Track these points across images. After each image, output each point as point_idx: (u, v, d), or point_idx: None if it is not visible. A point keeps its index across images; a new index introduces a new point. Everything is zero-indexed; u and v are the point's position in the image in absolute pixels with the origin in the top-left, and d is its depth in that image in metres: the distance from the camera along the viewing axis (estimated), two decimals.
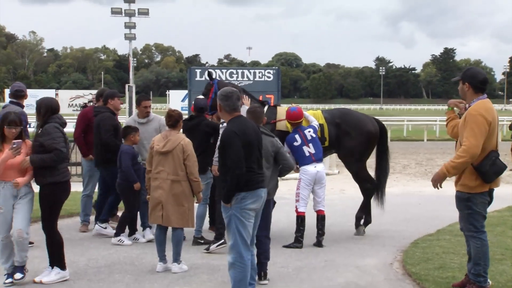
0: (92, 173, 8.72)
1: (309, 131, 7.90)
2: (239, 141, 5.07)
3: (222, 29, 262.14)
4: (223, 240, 7.35)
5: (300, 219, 7.72)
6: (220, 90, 5.51)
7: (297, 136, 7.84)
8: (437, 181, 5.48)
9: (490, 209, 10.45)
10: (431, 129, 35.85)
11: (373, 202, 8.80)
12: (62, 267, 6.24)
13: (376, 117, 9.11)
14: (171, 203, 6.53)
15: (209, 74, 8.78)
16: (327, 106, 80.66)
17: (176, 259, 6.64)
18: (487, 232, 8.27)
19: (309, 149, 7.79)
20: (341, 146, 8.54)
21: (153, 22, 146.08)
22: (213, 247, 7.40)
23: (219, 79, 8.87)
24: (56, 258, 6.22)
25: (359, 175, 8.73)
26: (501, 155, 5.59)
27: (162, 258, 6.70)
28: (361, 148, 8.54)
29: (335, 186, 13.75)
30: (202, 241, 7.75)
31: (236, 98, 5.31)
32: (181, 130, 7.30)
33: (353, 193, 12.67)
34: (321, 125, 8.26)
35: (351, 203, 11.16)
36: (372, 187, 8.70)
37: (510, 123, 17.98)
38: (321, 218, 7.85)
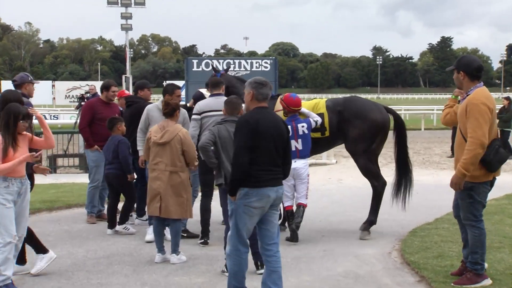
0: (98, 164, 8.67)
1: (303, 126, 7.62)
2: (247, 130, 4.86)
3: (219, 19, 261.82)
4: (203, 240, 7.33)
5: (288, 213, 7.62)
6: (253, 78, 5.29)
7: (289, 127, 7.49)
8: (458, 183, 5.41)
9: (488, 197, 10.52)
10: (428, 118, 35.90)
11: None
12: (44, 251, 6.18)
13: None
14: (170, 194, 6.53)
15: (214, 68, 8.89)
16: (324, 96, 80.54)
17: (175, 250, 6.63)
18: (485, 221, 8.31)
19: (296, 144, 7.53)
20: (345, 136, 7.94)
21: (149, 12, 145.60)
22: (198, 242, 7.39)
23: (223, 71, 8.70)
24: (35, 245, 6.16)
25: (366, 170, 7.95)
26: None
27: (161, 249, 6.69)
28: (365, 137, 7.79)
29: (332, 176, 13.77)
30: (185, 235, 7.53)
31: (269, 88, 5.15)
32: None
33: (351, 183, 12.70)
34: (321, 114, 7.85)
35: (348, 192, 11.21)
36: (380, 186, 7.89)
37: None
38: (301, 207, 7.56)
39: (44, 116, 30.22)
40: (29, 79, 7.78)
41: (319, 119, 7.78)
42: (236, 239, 5.04)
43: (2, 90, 9.38)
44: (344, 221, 8.75)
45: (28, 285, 5.85)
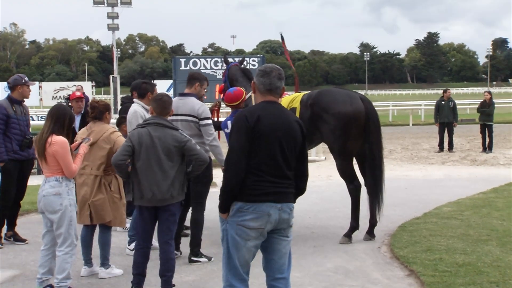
0: None
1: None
2: (244, 129, 3.89)
3: (206, 18, 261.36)
4: (195, 259, 6.66)
5: None
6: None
7: (229, 122, 6.68)
8: None
9: (475, 191, 10.62)
10: (416, 114, 36.11)
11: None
12: None
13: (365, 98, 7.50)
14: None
15: (225, 59, 8.44)
16: None
17: (104, 263, 6.14)
18: (473, 214, 8.43)
19: None
20: (320, 133, 7.35)
21: (136, 12, 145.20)
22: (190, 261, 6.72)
23: (236, 63, 8.02)
24: None
25: (340, 170, 7.44)
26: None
27: (88, 261, 6.24)
28: (336, 133, 7.14)
29: (322, 172, 13.81)
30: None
31: (277, 77, 4.07)
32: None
33: (340, 179, 12.66)
34: (293, 109, 7.29)
35: (338, 189, 11.21)
36: (354, 190, 7.38)
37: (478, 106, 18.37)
38: None
39: (32, 117, 30.05)
40: (23, 81, 7.45)
41: None
42: (228, 272, 3.99)
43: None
44: (334, 217, 8.80)
45: None
